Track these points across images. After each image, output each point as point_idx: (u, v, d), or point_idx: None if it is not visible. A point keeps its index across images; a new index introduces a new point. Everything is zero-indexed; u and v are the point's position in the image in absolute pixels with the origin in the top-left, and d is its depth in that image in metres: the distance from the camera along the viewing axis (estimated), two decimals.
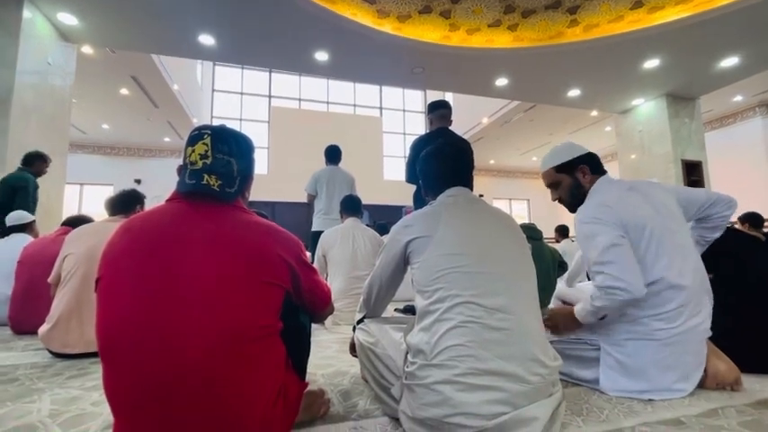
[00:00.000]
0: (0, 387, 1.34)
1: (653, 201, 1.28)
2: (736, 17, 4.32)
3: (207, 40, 4.76)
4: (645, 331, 1.16)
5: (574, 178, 1.42)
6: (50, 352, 1.71)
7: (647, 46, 4.97)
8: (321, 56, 5.21)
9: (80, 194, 10.19)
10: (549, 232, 5.59)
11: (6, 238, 2.73)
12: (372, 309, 1.26)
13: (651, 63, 5.39)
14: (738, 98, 7.91)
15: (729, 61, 5.30)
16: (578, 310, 1.24)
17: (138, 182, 9.81)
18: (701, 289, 1.22)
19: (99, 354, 0.72)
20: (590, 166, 1.41)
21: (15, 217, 2.83)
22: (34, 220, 2.90)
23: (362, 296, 1.26)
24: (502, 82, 6.07)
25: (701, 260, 1.28)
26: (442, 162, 1.16)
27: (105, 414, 1.07)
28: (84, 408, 1.14)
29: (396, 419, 0.98)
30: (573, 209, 1.41)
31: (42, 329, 1.69)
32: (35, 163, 3.55)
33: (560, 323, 1.32)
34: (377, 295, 1.21)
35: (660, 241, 1.20)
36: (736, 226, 3.59)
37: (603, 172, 1.41)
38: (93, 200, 10.04)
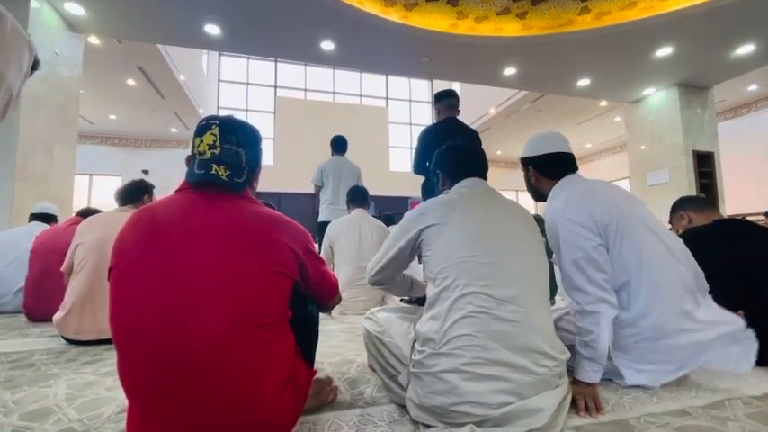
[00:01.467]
0: (17, 372, 1.38)
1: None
2: (752, 3, 4.19)
3: (212, 29, 4.74)
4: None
5: (526, 174, 1.41)
6: (65, 338, 1.76)
7: (659, 33, 4.84)
8: (327, 45, 5.16)
9: (89, 185, 10.31)
10: None
11: (26, 226, 2.82)
12: (391, 287, 1.26)
13: (664, 51, 5.26)
14: (753, 87, 7.72)
15: (745, 49, 5.15)
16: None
17: (146, 173, 9.88)
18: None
19: (113, 340, 0.74)
20: (540, 170, 1.35)
21: (44, 206, 2.93)
22: (56, 217, 2.97)
23: (370, 273, 1.21)
24: (510, 71, 5.98)
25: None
26: (459, 152, 1.19)
27: (120, 399, 1.10)
28: (98, 393, 1.17)
29: (402, 407, 1.00)
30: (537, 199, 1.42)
31: (57, 317, 1.74)
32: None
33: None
34: (380, 277, 1.18)
35: None
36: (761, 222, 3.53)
37: (565, 174, 1.30)
38: (102, 190, 10.15)
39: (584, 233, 1.14)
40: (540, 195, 1.38)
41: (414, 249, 1.08)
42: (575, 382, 1.07)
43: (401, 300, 1.39)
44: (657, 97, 6.62)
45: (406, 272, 1.25)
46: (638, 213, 1.22)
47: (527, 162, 1.39)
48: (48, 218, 2.88)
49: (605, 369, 1.11)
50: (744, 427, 0.92)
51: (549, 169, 1.33)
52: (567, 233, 1.16)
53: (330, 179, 3.64)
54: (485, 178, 1.18)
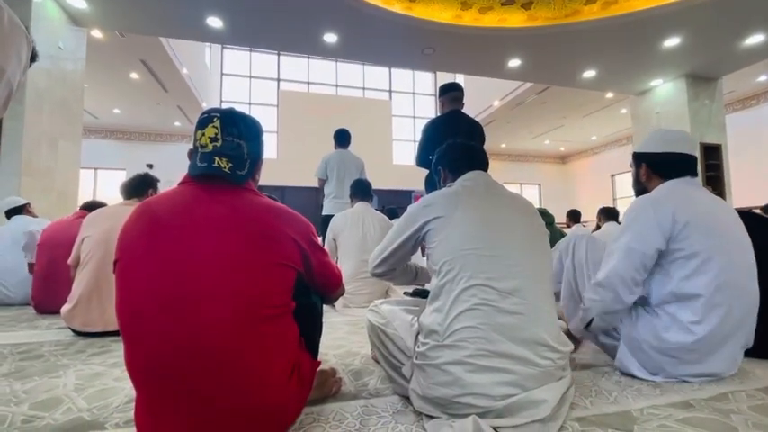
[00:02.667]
0: (27, 362, 1.40)
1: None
2: None
3: (215, 22, 4.71)
4: None
5: (636, 170, 1.37)
6: (72, 330, 1.78)
7: (667, 23, 4.76)
8: (330, 37, 5.12)
9: (94, 179, 10.38)
10: (560, 217, 5.54)
11: (9, 222, 2.84)
12: (395, 277, 1.27)
13: (671, 42, 5.17)
14: (762, 78, 7.58)
15: (755, 39, 5.05)
16: None
17: (151, 166, 9.93)
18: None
19: (120, 331, 0.75)
20: (652, 167, 1.30)
21: (9, 201, 2.93)
22: (29, 203, 2.99)
23: (372, 264, 1.23)
24: (515, 63, 5.91)
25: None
26: (460, 148, 1.20)
27: (128, 389, 1.12)
28: (106, 383, 1.19)
29: (406, 398, 1.01)
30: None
31: (64, 309, 1.76)
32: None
33: None
34: (384, 268, 1.19)
35: None
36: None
37: (678, 176, 1.25)
38: (107, 184, 10.22)
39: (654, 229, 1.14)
40: (644, 194, 1.30)
41: (417, 241, 1.08)
42: None
43: (404, 293, 1.40)
44: (665, 89, 6.53)
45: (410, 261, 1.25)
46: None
47: (641, 158, 1.34)
48: (20, 210, 2.90)
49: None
50: (747, 419, 0.92)
51: (663, 168, 1.28)
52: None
53: (334, 172, 3.64)
54: (486, 170, 1.18)
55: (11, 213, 2.86)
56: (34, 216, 2.95)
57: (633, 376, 1.19)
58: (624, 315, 1.22)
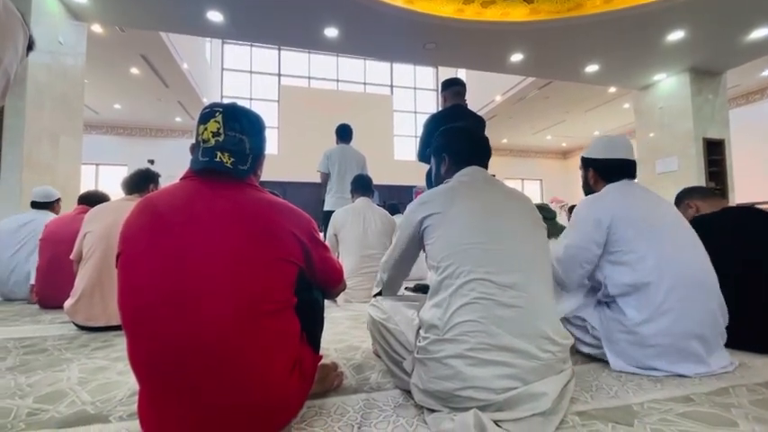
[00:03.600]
0: (31, 356, 1.41)
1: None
2: None
3: (215, 16, 4.69)
4: None
5: (585, 173, 1.50)
6: (76, 325, 1.79)
7: (671, 17, 4.71)
8: (331, 32, 5.09)
9: (96, 174, 10.39)
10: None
11: (27, 214, 2.76)
12: (388, 285, 1.27)
13: (675, 35, 5.12)
14: (767, 72, 7.52)
15: (760, 32, 5.00)
16: None
17: (152, 162, 9.91)
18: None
19: (122, 325, 0.76)
20: (598, 171, 1.43)
21: (42, 194, 2.83)
22: (59, 199, 2.92)
23: (378, 273, 1.28)
24: (517, 57, 5.87)
25: None
26: (464, 139, 1.19)
27: (131, 383, 1.13)
28: (110, 377, 1.20)
29: (407, 392, 1.01)
30: None
31: (67, 304, 1.77)
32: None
33: None
34: (392, 272, 1.23)
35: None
36: None
37: (618, 179, 1.37)
38: (108, 180, 10.22)
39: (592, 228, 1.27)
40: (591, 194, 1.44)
41: (419, 240, 1.08)
42: None
43: (405, 288, 1.40)
44: (668, 83, 6.48)
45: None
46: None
47: (588, 163, 1.46)
48: (48, 205, 2.82)
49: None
50: (747, 413, 0.92)
51: (606, 172, 1.40)
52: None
53: (336, 167, 3.62)
54: (486, 166, 1.17)
55: (39, 206, 2.78)
56: (58, 212, 2.87)
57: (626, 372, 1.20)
58: (593, 315, 1.31)
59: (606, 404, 0.98)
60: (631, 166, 1.40)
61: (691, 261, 1.22)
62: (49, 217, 2.68)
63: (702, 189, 1.90)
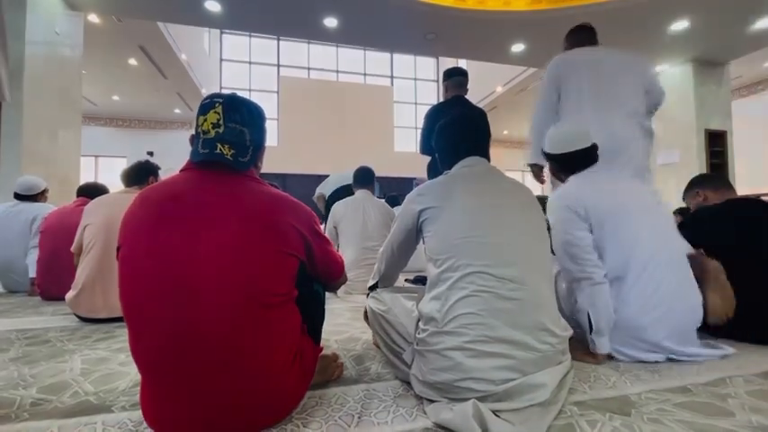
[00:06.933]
0: (34, 348, 1.43)
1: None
2: None
3: (213, 5, 4.63)
4: None
5: (549, 166, 1.54)
6: (78, 316, 1.81)
7: (675, 6, 4.64)
8: (330, 21, 5.03)
9: (95, 166, 10.36)
10: None
11: (13, 205, 2.66)
12: (385, 276, 1.28)
13: (679, 25, 5.05)
14: None
15: (765, 22, 4.94)
16: None
17: (151, 154, 9.89)
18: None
19: (123, 317, 0.76)
20: (559, 164, 1.45)
21: (26, 186, 2.72)
22: (46, 189, 2.84)
23: (376, 264, 1.28)
24: (518, 47, 5.81)
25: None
26: (459, 131, 1.16)
27: (133, 373, 1.14)
28: (112, 368, 1.21)
29: (407, 383, 1.02)
30: None
31: (69, 296, 1.78)
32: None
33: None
34: (388, 263, 1.24)
35: None
36: None
37: (582, 169, 1.38)
38: (107, 172, 10.19)
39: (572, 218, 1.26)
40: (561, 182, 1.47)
41: (418, 231, 1.08)
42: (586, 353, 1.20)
43: (405, 280, 1.40)
44: (670, 74, 6.42)
45: (411, 258, 1.27)
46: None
47: (548, 158, 1.50)
48: (34, 197, 2.75)
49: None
50: (743, 404, 0.93)
51: (568, 165, 1.42)
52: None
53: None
54: (485, 151, 1.15)
55: (22, 197, 2.69)
56: (46, 200, 2.82)
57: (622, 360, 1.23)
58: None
59: (604, 394, 0.99)
60: (589, 154, 1.39)
61: (661, 244, 1.23)
62: (35, 208, 2.64)
63: (716, 180, 1.82)
